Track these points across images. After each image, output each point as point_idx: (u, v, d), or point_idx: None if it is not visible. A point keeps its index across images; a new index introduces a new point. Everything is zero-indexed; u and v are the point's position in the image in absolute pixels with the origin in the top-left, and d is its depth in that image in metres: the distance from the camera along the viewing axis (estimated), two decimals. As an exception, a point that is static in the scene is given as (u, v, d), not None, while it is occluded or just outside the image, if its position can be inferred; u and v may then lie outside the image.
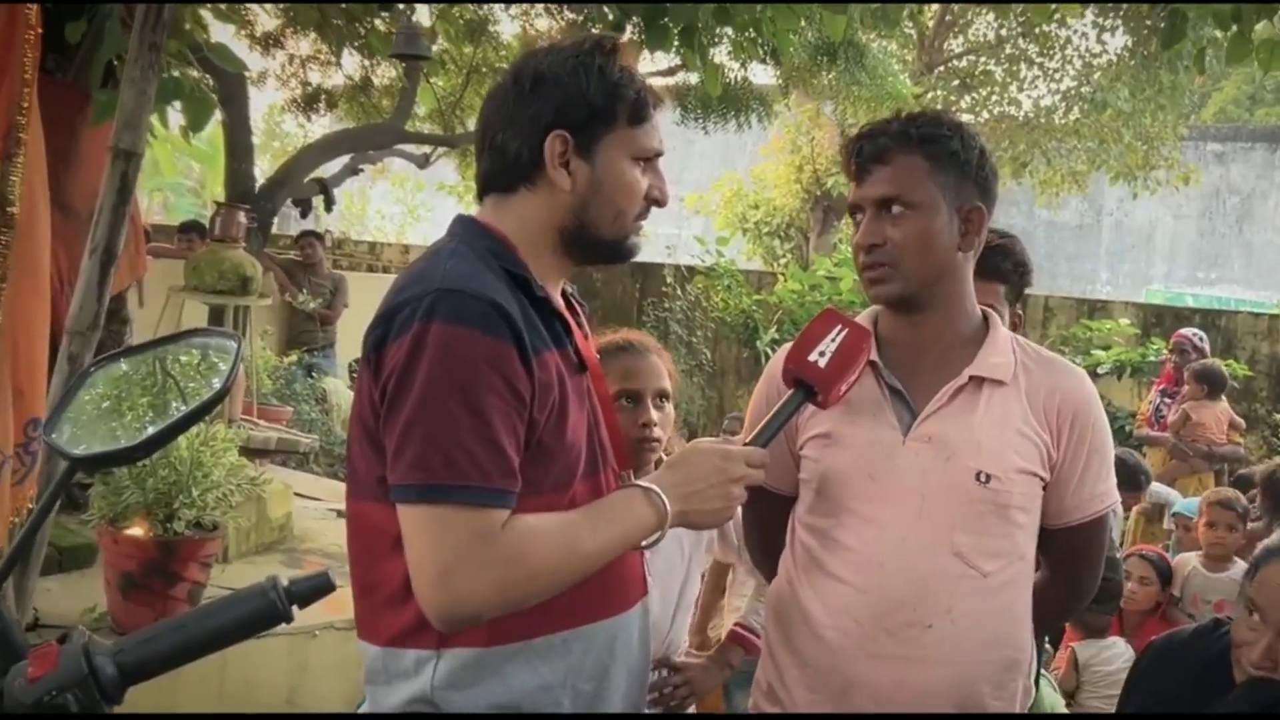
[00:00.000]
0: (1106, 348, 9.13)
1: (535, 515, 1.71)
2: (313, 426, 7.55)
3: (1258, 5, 4.69)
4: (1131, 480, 5.68)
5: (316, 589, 1.34)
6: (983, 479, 2.03)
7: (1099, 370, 8.98)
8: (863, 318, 2.20)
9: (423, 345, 1.65)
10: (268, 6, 9.49)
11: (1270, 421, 8.79)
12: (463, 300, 1.67)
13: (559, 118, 1.81)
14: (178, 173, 25.17)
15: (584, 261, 1.94)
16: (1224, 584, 4.80)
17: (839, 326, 1.99)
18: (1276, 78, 31.23)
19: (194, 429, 4.16)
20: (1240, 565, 4.86)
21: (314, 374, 8.45)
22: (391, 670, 1.78)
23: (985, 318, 2.20)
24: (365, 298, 8.56)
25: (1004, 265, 2.83)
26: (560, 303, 1.91)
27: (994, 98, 16.54)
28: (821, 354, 1.96)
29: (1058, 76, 16.27)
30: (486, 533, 1.64)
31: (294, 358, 8.08)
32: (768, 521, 2.33)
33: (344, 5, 7.86)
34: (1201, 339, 7.56)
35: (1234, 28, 4.79)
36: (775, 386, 2.11)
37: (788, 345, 2.06)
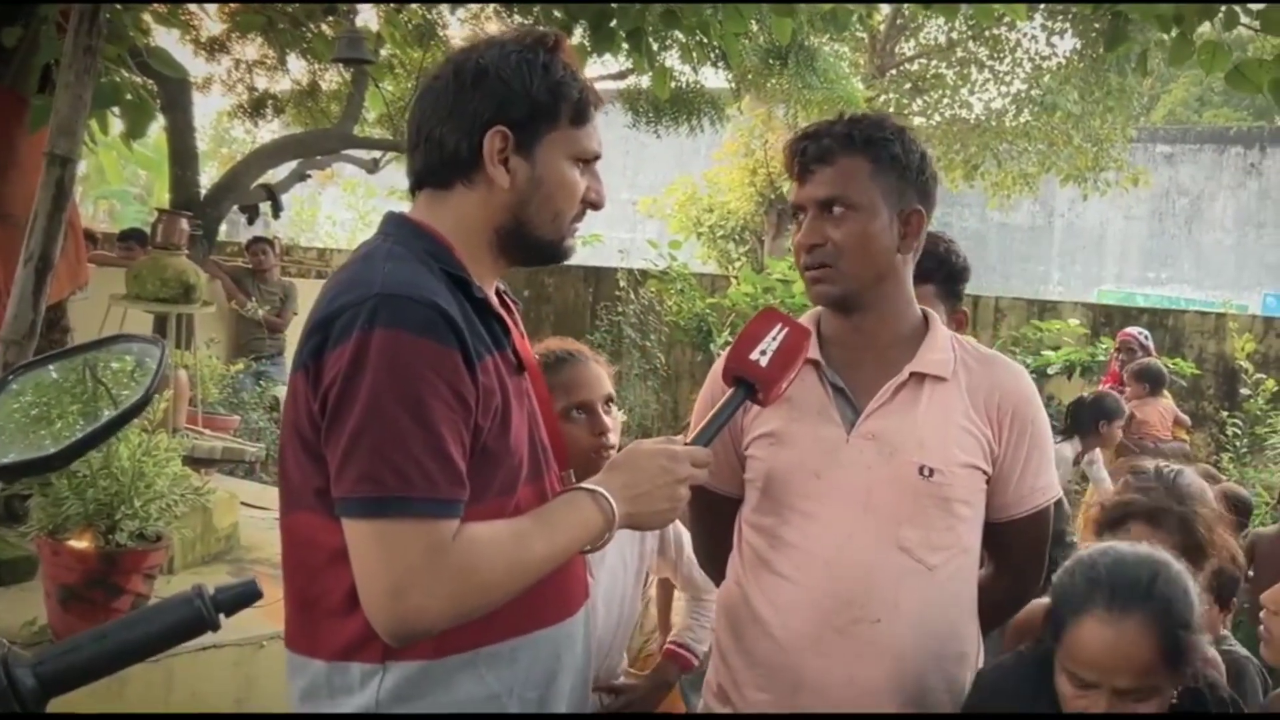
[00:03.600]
0: (1056, 348, 9.20)
1: (484, 524, 1.67)
2: (261, 435, 7.45)
3: (1199, 8, 4.74)
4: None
5: (243, 597, 1.31)
6: (926, 473, 2.05)
7: (1049, 370, 9.05)
8: (805, 319, 2.22)
9: (365, 353, 1.60)
10: (212, 12, 9.41)
11: (1218, 419, 8.89)
12: (405, 305, 1.62)
13: (500, 114, 1.77)
14: (123, 180, 24.94)
15: (520, 262, 1.90)
16: None
17: (779, 325, 2.00)
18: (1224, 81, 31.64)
19: (135, 439, 4.09)
20: None
21: (263, 382, 8.35)
22: (335, 685, 1.72)
23: (925, 317, 2.22)
24: (315, 305, 8.46)
25: (925, 265, 2.84)
26: (496, 303, 1.87)
27: (945, 101, 16.68)
28: (763, 353, 1.96)
29: (1008, 79, 16.45)
30: (438, 545, 1.61)
31: (241, 366, 7.97)
32: (714, 524, 2.33)
33: (289, 10, 7.80)
34: (1146, 337, 7.65)
35: (1176, 30, 4.82)
36: (718, 387, 2.10)
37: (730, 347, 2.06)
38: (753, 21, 8.09)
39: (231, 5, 9.47)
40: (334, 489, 1.63)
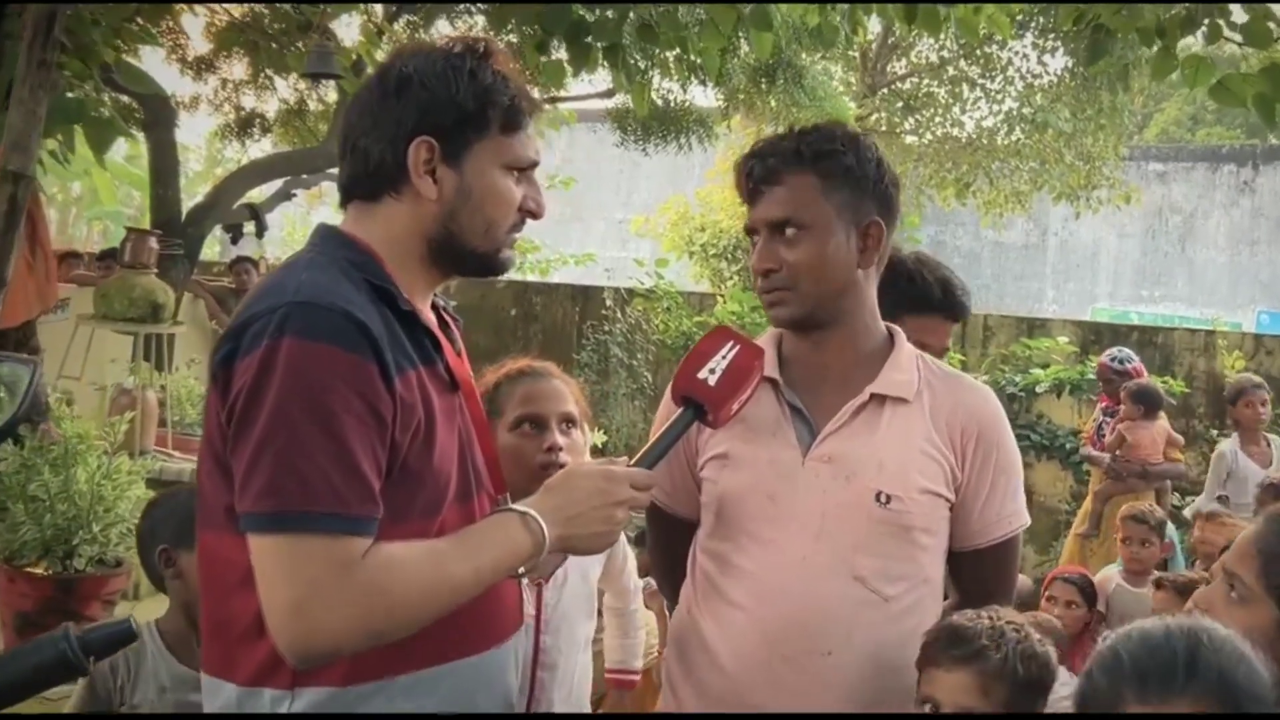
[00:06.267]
0: (1045, 366, 9.10)
1: (399, 544, 1.61)
2: (240, 456, 7.34)
3: (1181, 20, 4.68)
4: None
5: (114, 639, 1.22)
6: (883, 499, 1.97)
7: (1037, 389, 8.96)
8: (765, 337, 2.16)
9: (273, 362, 1.55)
10: (196, 32, 9.36)
11: (1208, 438, 8.75)
12: (317, 313, 1.58)
13: (425, 123, 1.73)
14: (117, 201, 24.87)
15: (454, 273, 1.85)
16: (1148, 600, 4.78)
17: (730, 344, 1.94)
18: (1216, 98, 31.77)
19: (94, 462, 4.02)
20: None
21: (243, 402, 8.25)
22: (246, 710, 1.66)
23: (890, 335, 2.13)
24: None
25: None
26: (430, 317, 1.81)
27: (937, 119, 16.62)
28: (711, 371, 1.91)
29: (999, 98, 16.39)
30: (345, 563, 1.54)
31: (220, 386, 7.87)
32: (672, 549, 2.26)
33: (271, 30, 7.75)
34: (1121, 362, 7.41)
35: (1159, 43, 4.77)
36: (670, 407, 2.02)
37: None
38: (740, 40, 8.05)
39: (219, 23, 9.43)
40: (238, 503, 1.57)
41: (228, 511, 1.61)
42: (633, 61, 5.65)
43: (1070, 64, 15.31)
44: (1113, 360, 7.45)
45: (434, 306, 1.87)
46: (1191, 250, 24.22)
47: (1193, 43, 4.97)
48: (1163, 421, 7.10)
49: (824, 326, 2.06)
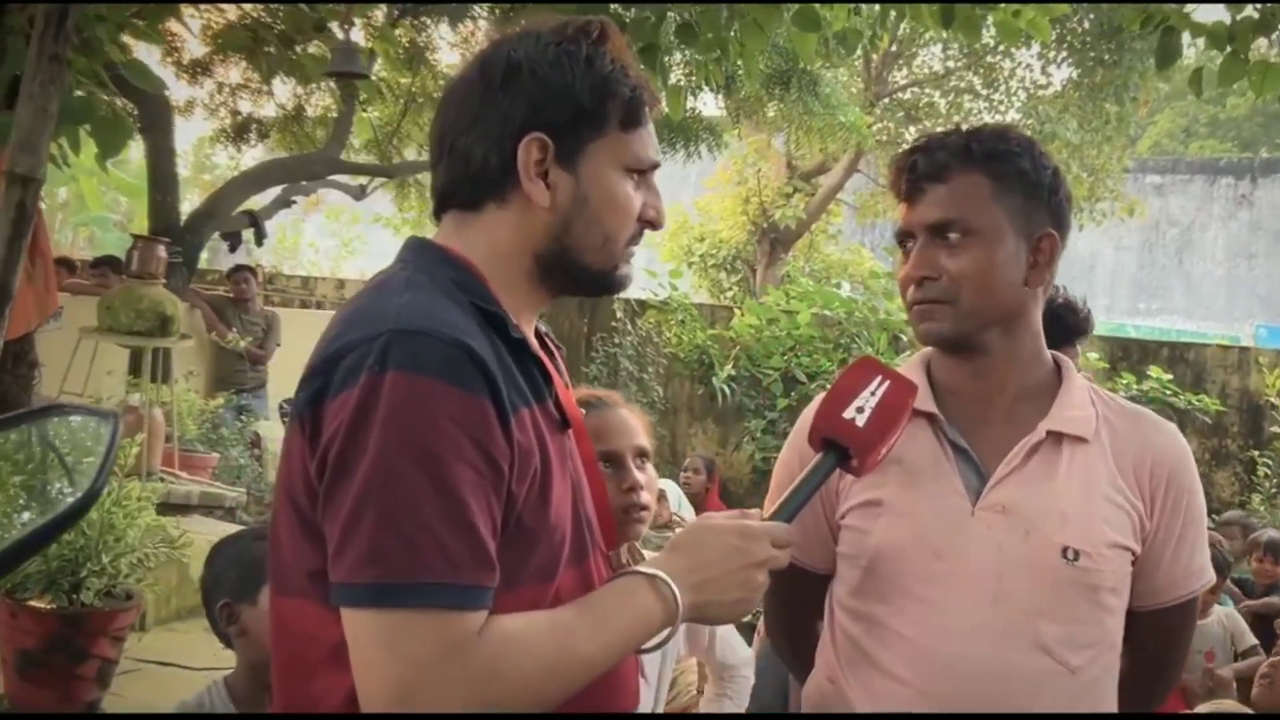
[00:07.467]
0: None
1: (518, 617, 1.35)
2: (242, 473, 7.11)
3: (1255, 24, 4.46)
4: None
5: None
6: (1070, 556, 1.71)
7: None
8: (911, 365, 1.89)
9: (374, 401, 1.30)
10: (195, 32, 9.10)
11: (1244, 458, 8.56)
12: (425, 343, 1.32)
13: (536, 118, 1.47)
14: (104, 207, 24.58)
15: (564, 292, 1.59)
16: (1211, 630, 4.84)
17: (879, 378, 1.67)
18: (1210, 112, 31.82)
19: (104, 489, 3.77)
20: (1218, 610, 4.94)
21: (244, 416, 8.00)
22: None
23: (1057, 364, 1.88)
24: (298, 335, 8.15)
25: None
26: (536, 345, 1.54)
27: (939, 129, 16.48)
28: (860, 410, 1.63)
29: (1002, 108, 16.30)
30: (459, 642, 1.29)
31: (221, 400, 7.61)
32: (800, 606, 2.00)
33: (276, 30, 7.51)
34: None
35: (1229, 48, 4.55)
36: (803, 449, 1.75)
37: (818, 399, 1.72)
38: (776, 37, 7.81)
39: (215, 25, 9.17)
40: (331, 570, 1.32)
41: (311, 577, 1.36)
42: (666, 64, 5.39)
43: (1075, 75, 15.22)
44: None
45: (536, 332, 1.61)
46: (1189, 263, 24.23)
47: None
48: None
49: (984, 352, 1.81)
